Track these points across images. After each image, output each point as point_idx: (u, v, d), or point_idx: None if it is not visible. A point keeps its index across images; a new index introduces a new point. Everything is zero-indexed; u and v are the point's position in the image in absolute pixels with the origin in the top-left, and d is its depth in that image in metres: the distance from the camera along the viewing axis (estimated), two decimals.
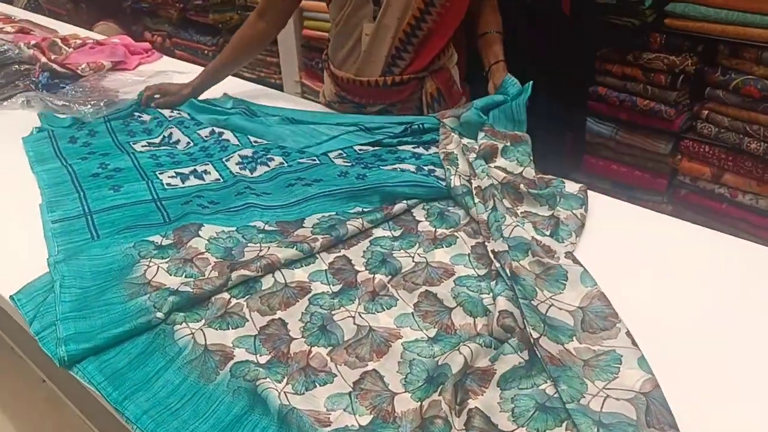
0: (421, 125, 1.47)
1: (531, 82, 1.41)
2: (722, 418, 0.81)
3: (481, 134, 1.36)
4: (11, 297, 0.99)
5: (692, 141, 2.29)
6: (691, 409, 0.80)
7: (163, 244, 1.11)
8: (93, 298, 0.98)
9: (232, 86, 1.81)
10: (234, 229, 1.15)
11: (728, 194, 2.27)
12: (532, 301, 0.96)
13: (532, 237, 1.10)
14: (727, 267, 1.08)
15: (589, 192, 1.26)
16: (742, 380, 0.87)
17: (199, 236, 1.11)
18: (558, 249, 1.09)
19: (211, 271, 1.05)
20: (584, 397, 0.82)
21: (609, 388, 0.83)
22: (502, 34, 1.62)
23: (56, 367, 0.89)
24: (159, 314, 0.94)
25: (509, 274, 1.00)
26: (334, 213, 1.21)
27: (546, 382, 0.85)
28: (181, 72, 2.00)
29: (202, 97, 1.71)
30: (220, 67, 1.70)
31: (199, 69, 1.93)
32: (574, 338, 0.92)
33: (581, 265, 1.03)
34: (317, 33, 2.96)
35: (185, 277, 1.03)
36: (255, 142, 1.48)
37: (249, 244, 1.12)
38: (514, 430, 0.79)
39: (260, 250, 1.10)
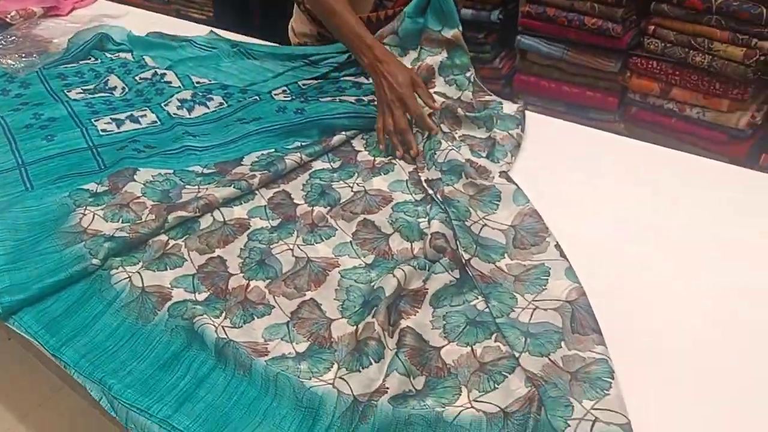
0: None
1: None
2: (660, 335, 0.84)
3: (414, 53, 1.34)
4: None
5: (640, 57, 2.30)
6: (636, 332, 0.84)
7: (98, 191, 1.10)
8: (28, 250, 0.98)
9: (184, 29, 1.76)
10: (171, 171, 1.15)
11: (677, 109, 2.30)
12: (466, 222, 0.98)
13: (467, 159, 1.12)
14: (663, 179, 1.11)
15: (530, 113, 1.27)
16: (691, 291, 0.89)
17: (134, 181, 1.11)
18: (493, 169, 1.10)
19: (147, 214, 1.05)
20: (514, 311, 0.85)
21: (537, 300, 0.86)
22: None
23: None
24: (95, 261, 0.94)
25: (442, 200, 1.01)
26: (273, 150, 1.21)
27: (477, 299, 0.88)
28: (119, 15, 1.94)
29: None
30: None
31: (138, 11, 1.87)
32: (505, 255, 0.94)
33: (515, 184, 1.05)
34: None
35: (121, 222, 1.03)
36: (198, 83, 1.46)
37: (187, 187, 1.12)
38: (445, 345, 0.82)
39: (198, 192, 1.10)
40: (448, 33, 1.32)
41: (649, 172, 1.12)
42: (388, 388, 0.74)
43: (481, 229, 0.99)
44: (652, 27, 2.22)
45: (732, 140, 2.23)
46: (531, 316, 0.84)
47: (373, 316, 0.83)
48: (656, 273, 0.92)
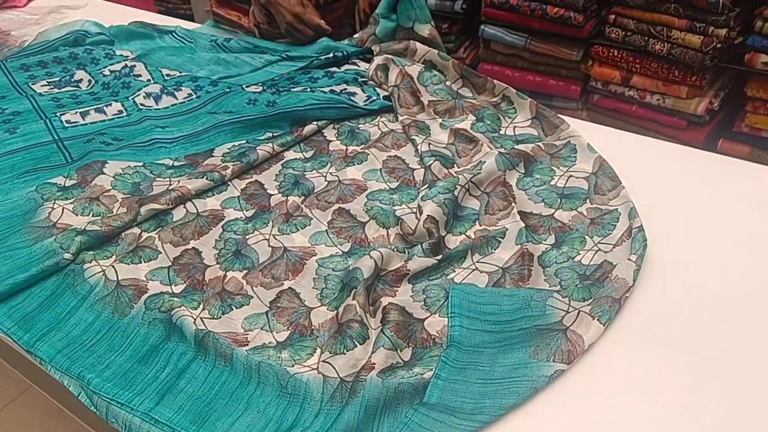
0: (344, 52, 1.44)
1: None
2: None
3: (394, 66, 1.32)
4: None
5: (601, 46, 2.34)
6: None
7: (66, 185, 1.08)
8: None
9: (146, 19, 1.73)
10: (141, 164, 1.13)
11: (637, 96, 2.35)
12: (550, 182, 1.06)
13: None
14: (634, 165, 1.12)
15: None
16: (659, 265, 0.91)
17: (103, 173, 1.09)
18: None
19: (118, 207, 1.03)
20: (579, 253, 0.93)
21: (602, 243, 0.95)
22: None
23: None
24: (67, 255, 0.92)
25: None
26: (244, 141, 1.20)
27: (454, 272, 0.90)
28: (79, 7, 1.89)
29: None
30: None
31: (99, 1, 1.84)
32: (587, 201, 1.03)
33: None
34: None
35: (92, 216, 1.01)
36: (168, 75, 1.43)
37: (157, 179, 1.10)
38: (428, 317, 0.83)
39: (170, 184, 1.09)
40: (423, 30, 1.33)
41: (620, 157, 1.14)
42: (375, 363, 0.75)
43: (567, 180, 1.05)
44: (613, 16, 2.26)
45: (691, 126, 2.29)
46: (592, 258, 0.91)
47: (353, 299, 0.83)
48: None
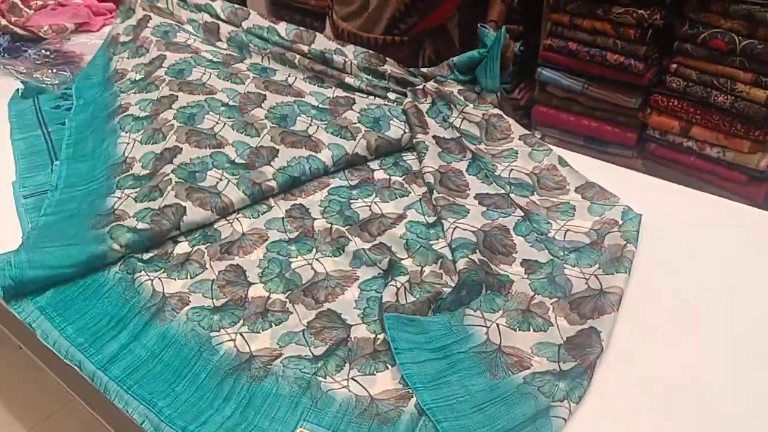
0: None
1: (503, 30, 1.37)
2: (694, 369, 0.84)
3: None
4: None
5: (661, 95, 2.31)
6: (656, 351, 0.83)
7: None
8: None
9: None
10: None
11: (696, 147, 2.31)
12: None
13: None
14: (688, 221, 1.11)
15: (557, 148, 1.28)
16: (710, 333, 0.90)
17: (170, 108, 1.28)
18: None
19: (170, 188, 1.10)
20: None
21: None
22: (506, 3, 1.64)
23: (32, 334, 0.90)
24: (115, 245, 0.99)
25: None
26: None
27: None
28: None
29: None
30: None
31: None
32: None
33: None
34: None
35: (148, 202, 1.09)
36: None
37: (210, 113, 1.27)
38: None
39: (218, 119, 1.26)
40: (487, 97, 1.38)
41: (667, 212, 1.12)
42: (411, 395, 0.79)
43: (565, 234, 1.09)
44: (675, 66, 2.24)
45: (752, 181, 2.24)
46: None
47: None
48: None
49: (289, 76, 1.45)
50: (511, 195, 1.15)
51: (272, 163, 1.20)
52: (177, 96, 1.30)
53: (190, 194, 1.09)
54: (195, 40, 1.52)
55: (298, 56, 1.45)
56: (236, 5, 1.61)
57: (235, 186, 1.14)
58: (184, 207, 1.07)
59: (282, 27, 1.52)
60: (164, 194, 1.09)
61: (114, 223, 1.03)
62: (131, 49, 1.49)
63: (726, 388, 0.82)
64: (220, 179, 1.15)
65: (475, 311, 0.89)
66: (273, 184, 1.16)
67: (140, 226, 1.03)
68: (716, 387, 0.82)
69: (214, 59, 1.45)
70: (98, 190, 1.14)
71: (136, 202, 1.09)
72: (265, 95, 1.36)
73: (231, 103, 1.33)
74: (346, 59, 1.44)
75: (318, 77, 1.44)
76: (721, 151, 2.25)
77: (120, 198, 1.10)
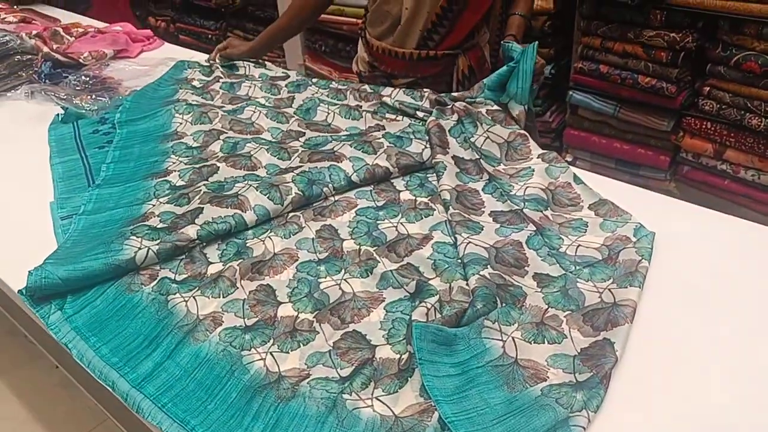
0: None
1: (535, 43, 1.37)
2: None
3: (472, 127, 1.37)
4: (19, 291, 1.01)
5: (694, 118, 2.29)
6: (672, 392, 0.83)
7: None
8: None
9: None
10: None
11: (730, 170, 2.28)
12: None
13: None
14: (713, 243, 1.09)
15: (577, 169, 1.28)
16: (740, 356, 0.89)
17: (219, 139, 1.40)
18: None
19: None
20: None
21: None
22: (526, 18, 1.65)
23: (68, 353, 0.93)
24: (136, 243, 1.05)
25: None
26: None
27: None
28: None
29: None
30: (276, 32, 1.81)
31: (203, 55, 1.95)
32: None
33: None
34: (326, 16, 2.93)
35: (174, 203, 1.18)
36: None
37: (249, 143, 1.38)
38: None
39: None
40: (515, 109, 1.37)
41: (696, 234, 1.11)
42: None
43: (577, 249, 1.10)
44: (708, 88, 2.22)
45: None
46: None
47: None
48: None
49: (328, 115, 1.51)
50: (525, 210, 1.16)
51: (294, 171, 1.25)
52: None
53: (212, 199, 1.16)
54: (256, 88, 1.63)
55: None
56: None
57: (254, 189, 1.19)
58: (202, 208, 1.14)
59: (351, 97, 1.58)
60: (191, 202, 1.18)
61: (139, 223, 1.12)
62: (195, 114, 1.49)
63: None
64: (243, 188, 1.21)
65: (493, 323, 0.90)
66: (291, 185, 1.20)
67: (160, 226, 1.11)
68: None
69: (272, 139, 1.45)
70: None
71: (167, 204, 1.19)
72: (304, 132, 1.44)
73: (272, 139, 1.41)
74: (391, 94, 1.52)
75: (356, 111, 1.50)
76: (755, 174, 2.22)
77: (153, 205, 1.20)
